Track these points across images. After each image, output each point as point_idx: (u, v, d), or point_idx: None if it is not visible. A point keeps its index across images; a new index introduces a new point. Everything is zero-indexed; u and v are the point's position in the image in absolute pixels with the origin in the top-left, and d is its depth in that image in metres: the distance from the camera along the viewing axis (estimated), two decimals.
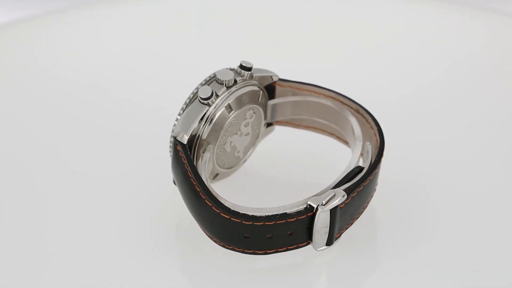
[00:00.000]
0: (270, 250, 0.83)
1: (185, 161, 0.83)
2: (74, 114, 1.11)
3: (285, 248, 0.83)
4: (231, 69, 0.90)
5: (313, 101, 0.95)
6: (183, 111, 0.86)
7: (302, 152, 1.02)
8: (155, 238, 0.88)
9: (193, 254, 0.87)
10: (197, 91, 0.87)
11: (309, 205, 0.81)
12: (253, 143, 0.97)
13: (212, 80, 0.88)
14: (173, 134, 0.85)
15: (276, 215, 0.80)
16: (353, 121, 0.91)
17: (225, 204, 0.81)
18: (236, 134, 0.92)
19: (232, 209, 0.80)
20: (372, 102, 0.97)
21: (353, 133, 0.91)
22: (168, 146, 0.88)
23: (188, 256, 0.87)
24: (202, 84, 0.87)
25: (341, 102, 0.94)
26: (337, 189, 0.82)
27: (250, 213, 0.80)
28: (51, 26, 1.32)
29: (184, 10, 1.37)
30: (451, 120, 1.10)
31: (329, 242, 0.84)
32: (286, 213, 0.81)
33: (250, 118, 0.93)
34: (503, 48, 1.25)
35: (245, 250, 0.83)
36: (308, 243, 0.84)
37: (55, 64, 1.22)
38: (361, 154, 0.89)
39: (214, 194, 0.82)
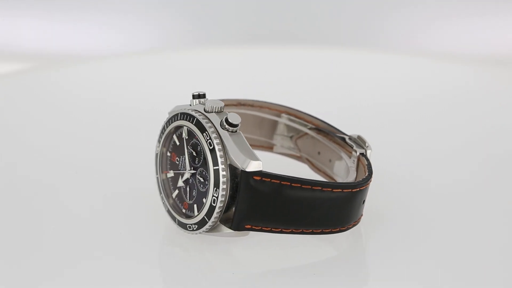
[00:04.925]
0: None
1: (280, 180, 0.74)
2: (76, 116, 1.16)
3: None
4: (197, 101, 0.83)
5: None
6: (223, 146, 0.76)
7: None
8: (155, 239, 0.86)
9: (193, 254, 0.87)
10: (212, 123, 0.77)
11: (361, 153, 0.84)
12: None
13: (202, 112, 0.79)
14: (245, 169, 0.74)
15: (370, 168, 0.81)
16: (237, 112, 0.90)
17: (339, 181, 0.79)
18: None
19: (350, 182, 0.78)
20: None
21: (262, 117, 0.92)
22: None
23: (189, 256, 0.87)
24: (205, 118, 0.78)
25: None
26: (350, 135, 0.86)
27: (361, 177, 0.80)
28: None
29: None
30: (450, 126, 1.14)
31: None
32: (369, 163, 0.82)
33: None
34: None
35: (358, 221, 0.81)
36: None
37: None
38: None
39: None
